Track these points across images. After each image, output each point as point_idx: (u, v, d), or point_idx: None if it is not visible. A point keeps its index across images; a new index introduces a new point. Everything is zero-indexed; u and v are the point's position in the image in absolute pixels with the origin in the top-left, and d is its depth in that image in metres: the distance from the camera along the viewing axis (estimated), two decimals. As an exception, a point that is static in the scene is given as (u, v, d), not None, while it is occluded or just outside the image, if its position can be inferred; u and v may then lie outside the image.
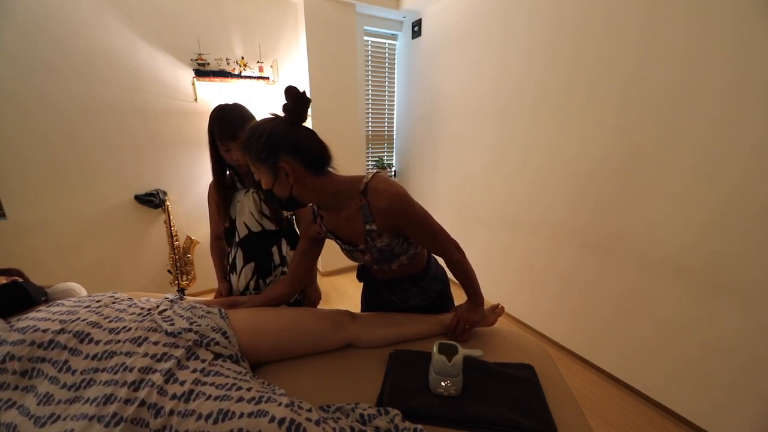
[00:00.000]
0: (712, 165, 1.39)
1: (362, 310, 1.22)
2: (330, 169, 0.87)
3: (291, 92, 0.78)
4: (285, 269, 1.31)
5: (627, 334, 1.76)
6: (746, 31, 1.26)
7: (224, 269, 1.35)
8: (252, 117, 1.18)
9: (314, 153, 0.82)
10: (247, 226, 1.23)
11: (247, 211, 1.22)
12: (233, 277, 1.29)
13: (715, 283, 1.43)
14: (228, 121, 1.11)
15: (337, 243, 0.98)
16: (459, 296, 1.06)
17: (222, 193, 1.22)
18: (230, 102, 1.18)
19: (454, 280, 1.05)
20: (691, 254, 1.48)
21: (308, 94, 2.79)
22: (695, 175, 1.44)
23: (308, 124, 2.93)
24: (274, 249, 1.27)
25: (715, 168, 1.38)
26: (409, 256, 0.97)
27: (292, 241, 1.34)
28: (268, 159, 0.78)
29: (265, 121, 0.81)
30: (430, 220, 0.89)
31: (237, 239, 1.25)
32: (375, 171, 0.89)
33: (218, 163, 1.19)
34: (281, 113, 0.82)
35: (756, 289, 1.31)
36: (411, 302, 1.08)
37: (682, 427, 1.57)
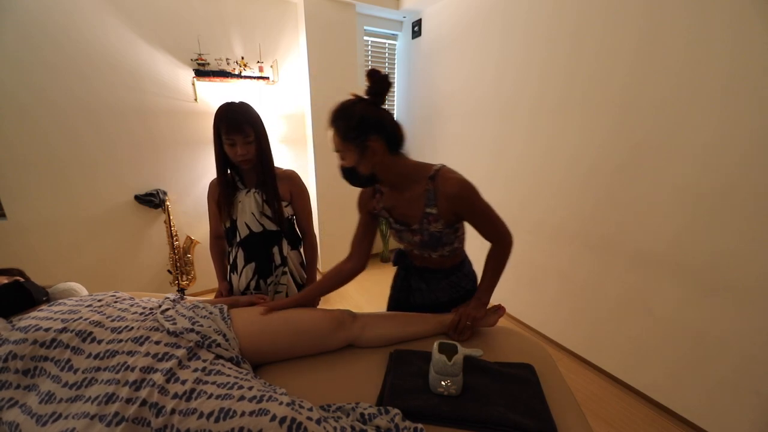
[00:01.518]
0: (711, 164, 1.39)
1: (390, 295, 1.25)
2: (402, 152, 0.94)
3: (375, 76, 0.84)
4: (285, 269, 1.30)
5: (627, 333, 1.77)
6: (746, 30, 1.26)
7: (224, 269, 1.35)
8: (258, 115, 1.18)
9: (396, 134, 0.90)
10: (247, 226, 1.22)
11: (248, 211, 1.21)
12: (234, 277, 1.29)
13: (714, 283, 1.43)
14: (236, 115, 1.12)
15: (389, 221, 1.04)
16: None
17: (224, 192, 1.21)
18: (236, 101, 1.18)
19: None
20: (691, 254, 1.49)
21: (308, 95, 2.81)
22: (695, 175, 1.44)
23: (308, 124, 2.90)
24: (275, 249, 1.27)
25: (715, 167, 1.38)
26: (452, 249, 1.02)
27: (292, 241, 1.34)
28: (357, 138, 0.85)
29: (353, 102, 0.87)
30: (491, 209, 0.95)
31: (238, 239, 1.24)
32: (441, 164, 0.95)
33: (222, 161, 1.19)
34: (361, 96, 0.89)
35: (755, 287, 1.32)
36: (438, 294, 1.11)
37: (681, 426, 1.57)
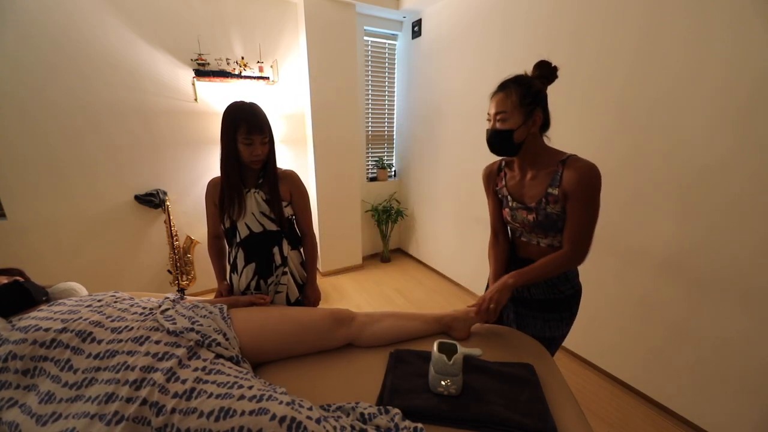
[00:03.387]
0: (712, 164, 1.39)
1: (487, 286, 1.22)
2: (545, 136, 1.03)
3: (545, 64, 0.97)
4: (286, 269, 1.30)
5: (626, 333, 1.77)
6: (746, 30, 1.26)
7: (223, 269, 1.35)
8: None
9: (549, 116, 1.00)
10: (248, 227, 1.22)
11: (248, 211, 1.21)
12: (234, 277, 1.29)
13: (716, 283, 1.43)
14: (256, 115, 1.13)
15: (506, 200, 1.09)
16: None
17: (230, 193, 1.19)
18: (246, 101, 1.17)
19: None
20: (692, 254, 1.49)
21: (308, 95, 2.81)
22: (695, 174, 1.44)
23: (308, 124, 2.89)
24: (276, 249, 1.27)
25: (715, 166, 1.38)
26: (561, 240, 1.01)
27: (292, 241, 1.34)
28: (529, 105, 0.94)
29: (532, 76, 0.98)
30: (595, 214, 0.95)
31: (238, 239, 1.24)
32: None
33: (234, 160, 1.16)
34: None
35: (756, 288, 1.32)
36: (533, 290, 1.09)
37: (681, 426, 1.57)
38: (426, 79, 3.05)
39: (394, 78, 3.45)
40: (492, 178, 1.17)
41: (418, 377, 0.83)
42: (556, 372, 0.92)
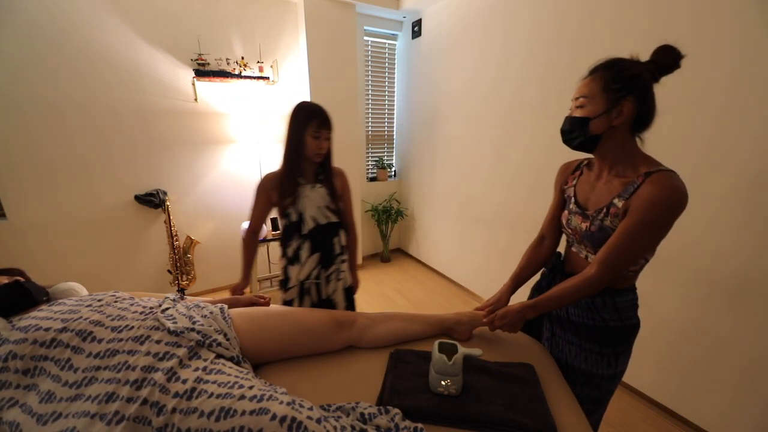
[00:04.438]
0: (713, 164, 1.39)
1: (530, 295, 1.10)
2: (639, 137, 0.85)
3: (672, 52, 0.78)
4: (344, 257, 1.39)
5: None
6: (748, 29, 1.26)
7: (252, 265, 1.41)
8: None
9: (650, 112, 0.81)
10: (314, 219, 1.30)
11: (315, 204, 1.29)
12: (293, 269, 1.33)
13: (715, 283, 1.43)
14: (326, 113, 1.25)
15: (569, 200, 0.96)
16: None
17: (291, 186, 1.26)
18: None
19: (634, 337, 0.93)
20: (692, 254, 1.49)
21: (308, 95, 2.81)
22: (695, 175, 1.44)
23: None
24: (335, 239, 1.35)
25: (717, 167, 1.39)
26: None
27: (348, 232, 1.42)
28: (617, 91, 0.78)
29: (633, 61, 0.81)
30: (645, 241, 0.78)
31: (304, 231, 1.30)
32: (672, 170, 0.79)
33: (299, 154, 1.25)
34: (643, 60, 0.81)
35: (756, 288, 1.32)
36: (572, 309, 0.94)
37: (681, 427, 1.57)
38: (426, 79, 3.06)
39: (394, 78, 3.45)
40: (564, 174, 1.02)
41: (418, 377, 0.83)
42: (557, 372, 0.92)
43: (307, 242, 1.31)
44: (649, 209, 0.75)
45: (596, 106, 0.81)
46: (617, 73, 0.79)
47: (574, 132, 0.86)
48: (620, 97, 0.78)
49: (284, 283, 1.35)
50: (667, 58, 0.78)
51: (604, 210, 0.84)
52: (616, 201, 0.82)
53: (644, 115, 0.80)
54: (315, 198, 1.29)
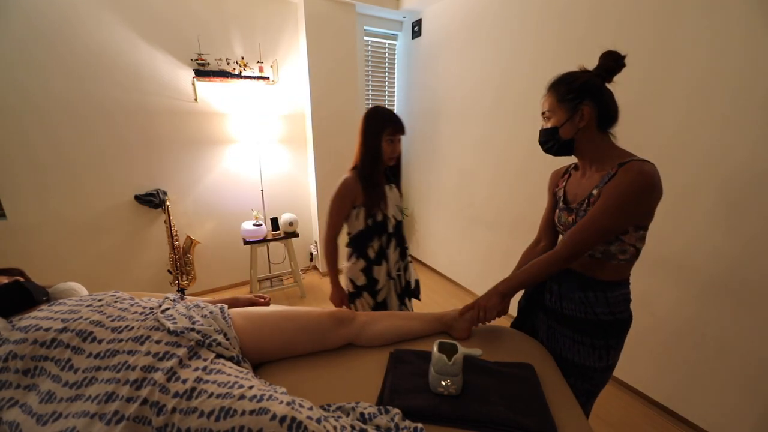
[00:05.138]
0: (713, 164, 1.39)
1: (524, 290, 1.15)
2: (610, 133, 0.92)
3: (613, 55, 0.87)
4: (408, 250, 1.50)
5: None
6: (749, 28, 1.26)
7: (338, 272, 1.43)
8: None
9: (610, 110, 0.89)
10: (395, 217, 1.39)
11: (393, 203, 1.38)
12: (379, 268, 1.35)
13: (714, 283, 1.43)
14: (400, 118, 1.31)
15: (560, 200, 1.03)
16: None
17: (379, 189, 1.32)
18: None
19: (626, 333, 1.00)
20: (692, 254, 1.49)
21: (308, 95, 2.81)
22: (696, 175, 1.44)
23: (308, 124, 2.88)
24: (404, 235, 1.47)
25: (716, 166, 1.39)
26: (605, 252, 0.88)
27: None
28: (572, 100, 0.88)
29: (581, 72, 0.90)
30: (610, 221, 0.82)
31: (390, 230, 1.37)
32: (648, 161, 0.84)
33: (377, 160, 1.30)
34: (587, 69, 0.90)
35: (754, 287, 1.32)
36: (564, 303, 0.97)
37: (681, 427, 1.57)
38: (426, 80, 3.06)
39: (394, 78, 3.45)
40: (555, 179, 1.10)
41: (418, 377, 0.83)
42: (557, 372, 0.92)
43: (393, 239, 1.38)
44: (615, 191, 0.82)
45: (559, 116, 0.91)
46: (568, 85, 0.89)
47: (549, 142, 0.95)
48: (577, 103, 0.88)
49: (371, 286, 1.36)
50: (610, 61, 0.88)
51: (586, 201, 0.91)
52: (594, 191, 0.89)
53: (606, 112, 0.89)
54: (393, 197, 1.39)
